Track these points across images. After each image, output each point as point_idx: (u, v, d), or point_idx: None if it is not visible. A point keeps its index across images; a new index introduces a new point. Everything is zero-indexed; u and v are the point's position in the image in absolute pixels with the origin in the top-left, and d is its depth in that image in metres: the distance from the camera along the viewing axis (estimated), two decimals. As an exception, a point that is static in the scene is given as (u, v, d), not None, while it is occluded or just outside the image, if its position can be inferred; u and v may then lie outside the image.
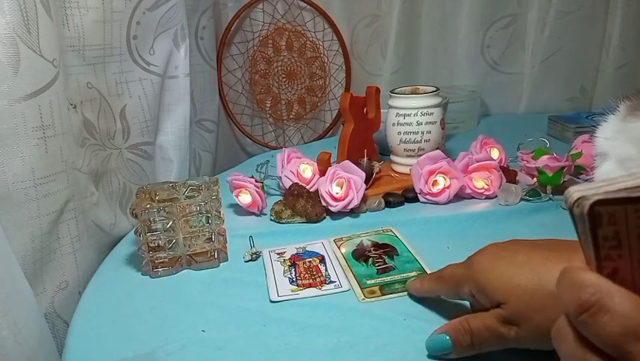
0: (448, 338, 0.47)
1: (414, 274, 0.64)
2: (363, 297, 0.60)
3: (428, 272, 0.64)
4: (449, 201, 0.83)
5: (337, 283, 0.63)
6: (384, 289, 0.61)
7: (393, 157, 0.97)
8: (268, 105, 1.38)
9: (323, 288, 0.62)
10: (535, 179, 0.85)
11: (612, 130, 0.48)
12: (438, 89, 0.93)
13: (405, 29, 1.28)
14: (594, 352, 0.24)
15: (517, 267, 0.44)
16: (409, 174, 0.88)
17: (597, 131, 0.50)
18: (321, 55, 1.34)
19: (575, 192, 0.26)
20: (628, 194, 0.24)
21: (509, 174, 0.87)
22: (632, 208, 0.24)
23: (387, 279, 0.64)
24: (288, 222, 0.80)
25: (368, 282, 0.63)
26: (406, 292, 0.60)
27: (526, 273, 0.43)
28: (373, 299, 0.60)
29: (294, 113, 1.39)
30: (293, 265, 0.68)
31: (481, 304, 0.47)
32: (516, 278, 0.44)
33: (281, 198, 0.85)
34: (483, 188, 0.83)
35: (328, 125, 1.39)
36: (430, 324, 0.53)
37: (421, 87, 0.97)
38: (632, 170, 0.44)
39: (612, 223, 0.25)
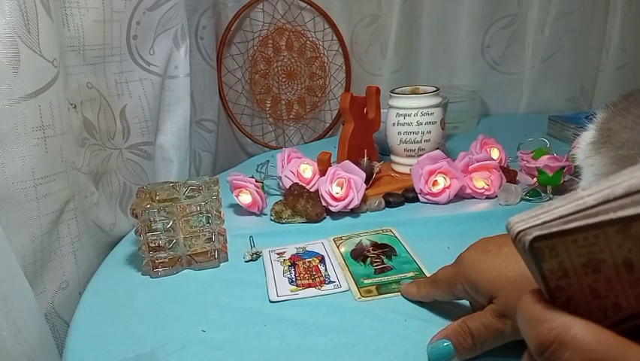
0: (449, 343, 0.46)
1: (411, 274, 0.64)
2: (359, 296, 0.60)
3: (426, 273, 0.64)
4: (449, 201, 0.83)
5: (337, 283, 0.63)
6: (381, 288, 0.61)
7: (393, 157, 0.97)
8: (268, 105, 1.38)
9: (322, 288, 0.62)
10: (535, 179, 0.85)
11: (585, 143, 0.48)
12: (438, 89, 0.93)
13: (405, 29, 1.28)
14: None
15: (503, 259, 0.44)
16: (409, 174, 0.88)
17: (578, 139, 0.50)
18: (321, 55, 1.34)
19: (515, 223, 0.26)
20: (563, 225, 0.24)
21: (509, 174, 0.87)
22: (570, 239, 0.24)
23: (384, 279, 0.64)
24: (288, 222, 0.80)
25: (365, 281, 0.63)
26: (405, 292, 0.60)
27: (512, 265, 0.44)
28: (369, 298, 0.60)
29: (294, 113, 1.39)
30: (292, 265, 0.68)
31: (479, 301, 0.47)
32: (503, 271, 0.44)
33: (281, 198, 0.85)
34: (483, 188, 0.83)
35: (328, 125, 1.39)
36: (430, 324, 0.54)
37: (421, 87, 0.97)
38: None
39: (554, 255, 0.24)
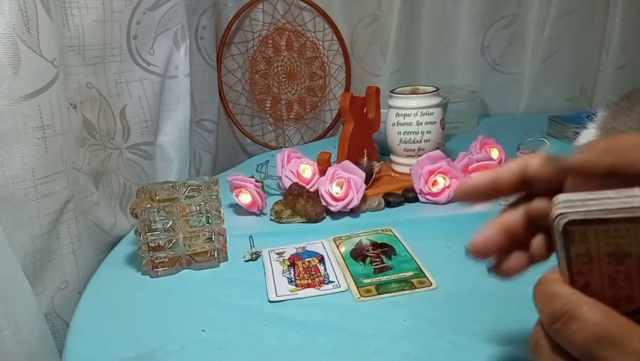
0: None
1: (411, 273, 0.64)
2: (358, 295, 0.60)
3: (426, 272, 0.64)
4: (449, 201, 0.83)
5: (336, 283, 0.63)
6: (381, 288, 0.61)
7: (393, 157, 0.97)
8: (268, 105, 1.39)
9: (322, 288, 0.62)
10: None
11: (588, 140, 0.48)
12: (438, 89, 0.93)
13: (405, 29, 1.28)
14: (568, 359, 0.25)
15: None
16: (409, 174, 0.88)
17: (579, 137, 0.50)
18: (321, 55, 1.35)
19: (559, 204, 0.27)
20: (600, 215, 0.25)
21: (509, 174, 0.87)
22: (603, 229, 0.25)
23: (384, 278, 0.64)
24: (288, 222, 0.80)
25: (364, 281, 0.63)
26: (404, 292, 0.60)
27: None
28: (369, 298, 0.60)
29: (294, 113, 1.39)
30: (292, 265, 0.68)
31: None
32: None
33: (281, 198, 0.85)
34: (483, 188, 0.83)
35: (328, 125, 1.39)
36: (430, 324, 0.54)
37: (421, 87, 0.97)
38: None
39: (584, 241, 0.26)
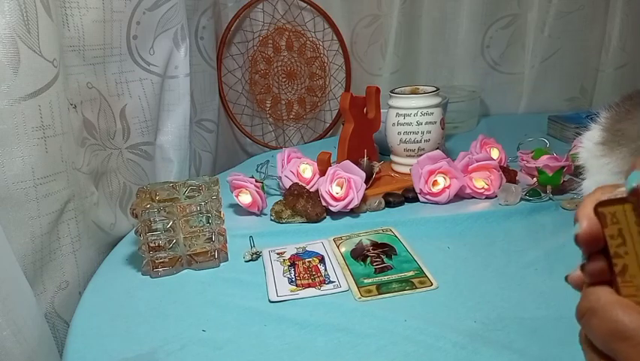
0: None
1: (411, 273, 0.64)
2: (359, 296, 0.60)
3: (426, 272, 0.64)
4: (449, 201, 0.83)
5: (336, 283, 0.63)
6: (381, 288, 0.61)
7: (393, 157, 0.97)
8: (268, 105, 1.38)
9: (322, 288, 0.62)
10: (535, 179, 0.85)
11: (591, 144, 0.48)
12: (438, 89, 0.93)
13: (405, 29, 1.28)
14: (594, 350, 0.27)
15: None
16: (409, 174, 0.88)
17: (580, 140, 0.50)
18: (321, 55, 1.34)
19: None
20: (624, 194, 0.26)
21: (509, 174, 0.87)
22: (629, 207, 0.26)
23: (385, 278, 0.64)
24: (288, 222, 0.80)
25: (365, 281, 0.63)
26: (404, 292, 0.60)
27: None
28: (370, 298, 0.60)
29: (294, 113, 1.39)
30: (292, 265, 0.68)
31: None
32: None
33: (281, 198, 0.85)
34: (483, 188, 0.83)
35: (328, 125, 1.39)
36: (430, 324, 0.54)
37: (421, 87, 0.97)
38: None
39: (615, 222, 0.27)
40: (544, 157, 0.83)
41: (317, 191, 0.81)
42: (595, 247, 0.28)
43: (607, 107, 0.48)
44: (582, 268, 0.29)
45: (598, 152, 0.46)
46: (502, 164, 0.90)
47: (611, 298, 0.27)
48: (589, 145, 0.48)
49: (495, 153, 0.91)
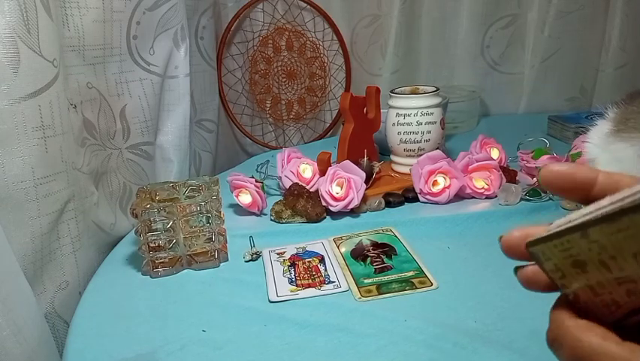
0: None
1: (411, 273, 0.64)
2: (359, 296, 0.60)
3: (426, 272, 0.64)
4: (449, 201, 0.83)
5: (336, 283, 0.63)
6: (382, 288, 0.61)
7: (393, 157, 0.97)
8: (268, 105, 1.38)
9: (322, 288, 0.62)
10: (535, 179, 0.85)
11: (599, 138, 0.48)
12: (438, 89, 0.93)
13: (405, 29, 1.28)
14: None
15: None
16: (409, 174, 0.88)
17: (587, 135, 0.50)
18: (321, 55, 1.34)
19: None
20: (544, 233, 0.27)
21: (509, 174, 0.87)
22: (552, 245, 0.27)
23: (385, 278, 0.64)
24: (288, 222, 0.80)
25: (365, 281, 0.63)
26: (404, 292, 0.60)
27: None
28: (370, 298, 0.60)
29: (294, 113, 1.39)
30: (292, 265, 0.68)
31: None
32: None
33: (281, 198, 0.85)
34: (483, 188, 0.83)
35: (328, 125, 1.39)
36: (430, 324, 0.54)
37: (421, 87, 0.97)
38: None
39: (548, 258, 0.27)
40: (545, 157, 0.83)
41: (317, 191, 0.81)
42: (514, 256, 0.29)
43: (614, 104, 0.48)
44: (515, 271, 0.30)
45: (610, 142, 0.46)
46: (502, 164, 0.90)
47: (575, 323, 0.27)
48: (597, 139, 0.48)
49: (495, 153, 0.92)
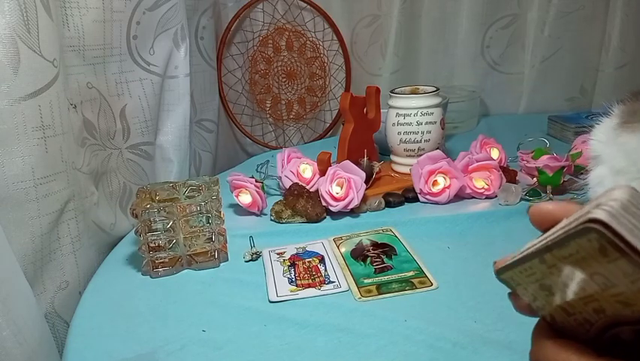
0: None
1: (411, 273, 0.64)
2: (359, 296, 0.60)
3: (426, 272, 0.64)
4: (449, 201, 0.83)
5: (336, 283, 0.63)
6: (382, 288, 0.61)
7: (393, 157, 0.97)
8: (268, 105, 1.38)
9: (322, 288, 0.62)
10: (535, 179, 0.85)
11: (605, 134, 0.48)
12: (438, 89, 0.93)
13: (405, 29, 1.28)
14: None
15: None
16: (409, 174, 0.88)
17: (591, 133, 0.50)
18: (321, 55, 1.34)
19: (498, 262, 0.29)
20: (507, 262, 0.28)
21: (509, 174, 0.87)
22: (517, 271, 0.28)
23: (385, 278, 0.64)
24: (288, 222, 0.80)
25: (365, 281, 0.63)
26: (404, 292, 0.60)
27: None
28: (370, 298, 0.60)
29: (294, 113, 1.39)
30: (292, 265, 0.68)
31: None
32: None
33: (281, 198, 0.85)
34: (483, 188, 0.83)
35: (328, 125, 1.39)
36: (430, 324, 0.54)
37: (420, 87, 0.97)
38: (620, 183, 0.46)
39: (518, 284, 0.29)
40: (545, 157, 0.83)
41: (317, 191, 0.81)
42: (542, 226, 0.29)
43: (619, 101, 0.48)
44: (509, 295, 0.31)
45: (615, 135, 0.46)
46: (502, 164, 0.90)
47: (551, 342, 0.28)
48: (602, 135, 0.48)
49: (495, 153, 0.91)
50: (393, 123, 0.93)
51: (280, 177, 0.90)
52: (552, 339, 0.28)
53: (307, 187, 0.84)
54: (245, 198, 0.82)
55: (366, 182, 0.83)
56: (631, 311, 0.24)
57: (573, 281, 0.25)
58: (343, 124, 0.91)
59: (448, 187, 0.82)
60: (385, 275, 0.64)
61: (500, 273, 0.29)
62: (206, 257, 0.69)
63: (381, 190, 0.87)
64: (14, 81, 0.57)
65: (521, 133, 1.08)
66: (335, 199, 0.79)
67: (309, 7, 1.30)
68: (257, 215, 0.84)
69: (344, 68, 1.35)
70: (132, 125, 0.88)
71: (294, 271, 0.66)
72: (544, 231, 0.28)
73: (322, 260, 0.69)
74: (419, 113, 0.90)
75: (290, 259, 0.70)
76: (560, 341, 0.28)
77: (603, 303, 0.25)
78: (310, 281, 0.64)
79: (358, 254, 0.70)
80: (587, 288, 0.25)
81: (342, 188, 0.80)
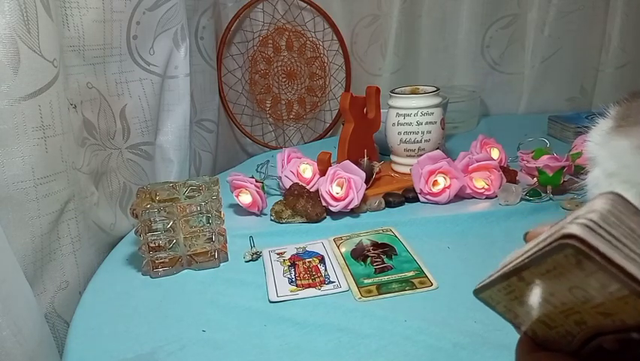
0: None
1: (411, 273, 0.64)
2: (359, 296, 0.60)
3: (426, 272, 0.64)
4: (449, 201, 0.83)
5: (336, 283, 0.63)
6: (382, 288, 0.61)
7: (393, 157, 0.97)
8: (268, 105, 1.38)
9: (322, 288, 0.62)
10: (535, 179, 0.85)
11: (600, 136, 0.48)
12: (438, 89, 0.93)
13: (405, 29, 1.28)
14: None
15: None
16: (409, 174, 0.88)
17: (588, 134, 0.50)
18: (321, 55, 1.34)
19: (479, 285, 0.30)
20: (483, 283, 0.28)
21: (509, 174, 0.87)
22: (496, 289, 0.28)
23: (385, 278, 0.64)
24: (289, 222, 0.80)
25: (365, 281, 0.63)
26: (404, 292, 0.60)
27: None
28: (370, 298, 0.60)
29: (294, 113, 1.39)
30: (292, 265, 0.68)
31: None
32: None
33: (281, 198, 0.85)
34: (483, 188, 0.83)
35: (328, 125, 1.39)
36: (430, 324, 0.54)
37: (420, 87, 0.96)
38: (613, 186, 0.46)
39: (497, 302, 0.29)
40: (545, 157, 0.83)
41: (317, 191, 0.81)
42: None
43: (616, 103, 0.49)
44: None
45: (609, 138, 0.46)
46: (502, 164, 0.90)
47: (535, 355, 0.29)
48: (597, 137, 0.48)
49: (495, 153, 0.91)
50: (394, 123, 0.93)
51: (280, 177, 0.90)
52: (536, 353, 0.28)
53: (307, 187, 0.84)
54: (245, 198, 0.82)
55: (367, 182, 0.83)
56: (612, 321, 0.24)
57: (553, 296, 0.25)
58: (343, 124, 0.91)
59: (448, 187, 0.82)
60: (385, 275, 0.64)
61: (479, 292, 0.29)
62: (206, 257, 0.69)
63: (382, 190, 0.87)
64: (14, 81, 0.57)
65: (521, 133, 1.08)
66: (335, 199, 0.79)
67: (309, 7, 1.30)
68: (257, 215, 0.84)
69: (344, 68, 1.35)
70: (132, 125, 0.88)
71: (294, 271, 0.66)
72: None
73: (322, 260, 0.69)
74: (419, 113, 0.90)
75: (290, 259, 0.70)
76: (544, 353, 0.28)
77: (584, 315, 0.25)
78: (310, 281, 0.64)
79: (358, 254, 0.70)
80: (567, 302, 0.25)
81: (342, 188, 0.80)
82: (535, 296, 0.26)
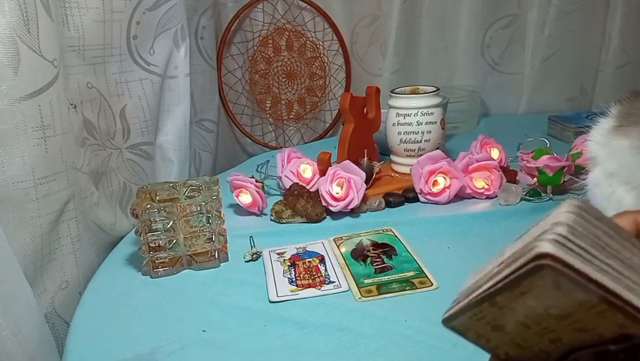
0: None
1: (412, 273, 0.64)
2: (359, 296, 0.60)
3: (427, 272, 0.64)
4: (449, 201, 0.83)
5: (337, 283, 0.63)
6: (382, 288, 0.61)
7: (393, 157, 0.97)
8: (268, 105, 1.38)
9: (322, 288, 0.62)
10: (535, 179, 0.85)
11: (601, 135, 0.48)
12: (438, 89, 0.93)
13: (405, 29, 1.28)
14: None
15: None
16: (409, 174, 0.88)
17: (589, 134, 0.50)
18: (321, 55, 1.34)
19: (447, 311, 0.29)
20: (457, 306, 0.27)
21: (509, 174, 0.87)
22: (466, 317, 0.27)
23: (385, 278, 0.64)
24: (289, 222, 0.80)
25: (365, 281, 0.63)
26: (405, 292, 0.60)
27: None
28: (370, 298, 0.60)
29: (294, 113, 1.39)
30: (293, 265, 0.68)
31: None
32: None
33: (281, 198, 0.85)
34: (483, 188, 0.83)
35: (328, 125, 1.39)
36: (430, 324, 0.53)
37: (421, 87, 0.96)
38: (613, 186, 0.46)
39: (468, 329, 0.28)
40: (545, 157, 0.83)
41: (317, 191, 0.81)
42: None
43: (617, 102, 0.49)
44: None
45: (610, 137, 0.46)
46: (502, 164, 0.90)
47: None
48: (598, 136, 0.48)
49: (495, 153, 0.91)
50: (394, 123, 0.93)
51: (280, 177, 0.90)
52: None
53: (307, 187, 0.84)
54: (245, 198, 0.82)
55: (367, 182, 0.83)
56: (589, 336, 0.24)
57: (528, 317, 0.25)
58: (343, 124, 0.91)
59: (449, 187, 0.82)
60: (385, 275, 0.64)
61: (448, 321, 0.28)
62: (207, 257, 0.69)
63: (382, 190, 0.87)
64: (14, 81, 0.57)
65: (521, 133, 1.08)
66: (335, 199, 0.79)
67: (309, 7, 1.30)
68: (257, 215, 0.84)
69: (344, 68, 1.35)
70: (132, 125, 0.88)
71: (295, 271, 0.66)
72: None
73: (322, 260, 0.69)
74: (419, 113, 0.90)
75: (290, 259, 0.70)
76: None
77: (559, 333, 0.24)
78: (310, 281, 0.64)
79: (358, 254, 0.70)
80: (542, 321, 0.24)
81: (342, 188, 0.80)
82: (509, 320, 0.26)
